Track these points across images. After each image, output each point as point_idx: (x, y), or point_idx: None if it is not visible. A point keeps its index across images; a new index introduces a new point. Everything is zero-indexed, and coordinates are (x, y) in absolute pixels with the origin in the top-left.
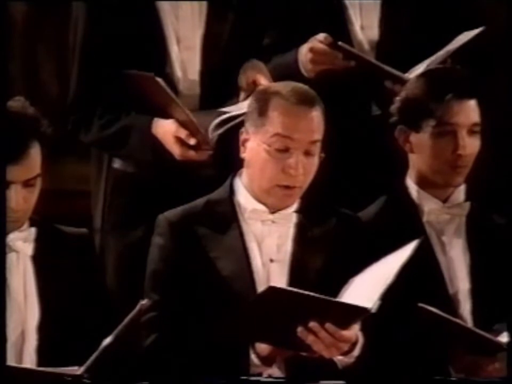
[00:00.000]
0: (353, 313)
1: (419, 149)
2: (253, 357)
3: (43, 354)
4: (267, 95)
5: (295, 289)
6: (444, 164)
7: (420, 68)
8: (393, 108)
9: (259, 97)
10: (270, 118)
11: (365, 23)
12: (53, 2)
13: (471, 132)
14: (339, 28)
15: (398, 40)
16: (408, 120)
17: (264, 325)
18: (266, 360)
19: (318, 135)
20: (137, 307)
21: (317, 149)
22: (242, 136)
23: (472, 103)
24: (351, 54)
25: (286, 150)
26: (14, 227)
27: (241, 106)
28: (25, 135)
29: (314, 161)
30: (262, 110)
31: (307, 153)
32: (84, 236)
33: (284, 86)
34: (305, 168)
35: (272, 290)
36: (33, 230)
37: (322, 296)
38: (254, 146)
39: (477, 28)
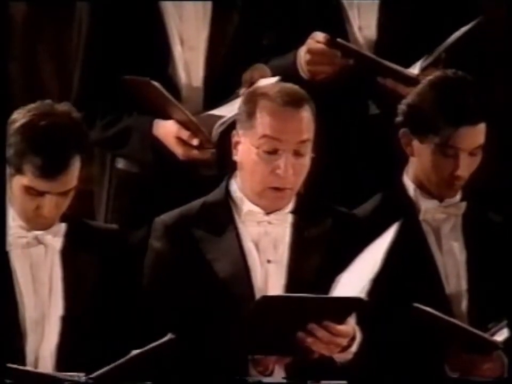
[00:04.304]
0: (347, 305)
1: (419, 156)
2: (251, 369)
3: (62, 350)
4: (255, 97)
5: (287, 294)
6: (441, 180)
7: (415, 68)
8: (401, 108)
9: (247, 99)
10: (258, 120)
11: (363, 24)
12: (53, 3)
13: (473, 153)
14: (337, 28)
15: (396, 41)
16: (414, 128)
17: (263, 336)
18: (265, 371)
19: (307, 135)
20: (165, 338)
21: (306, 149)
22: (234, 139)
23: (480, 127)
24: (350, 50)
25: (274, 152)
26: (44, 228)
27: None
28: (69, 149)
29: (305, 162)
30: (250, 112)
31: (296, 154)
32: (113, 232)
33: (272, 87)
34: (295, 169)
35: (265, 299)
36: (63, 225)
37: (314, 295)
38: (244, 149)
39: None
